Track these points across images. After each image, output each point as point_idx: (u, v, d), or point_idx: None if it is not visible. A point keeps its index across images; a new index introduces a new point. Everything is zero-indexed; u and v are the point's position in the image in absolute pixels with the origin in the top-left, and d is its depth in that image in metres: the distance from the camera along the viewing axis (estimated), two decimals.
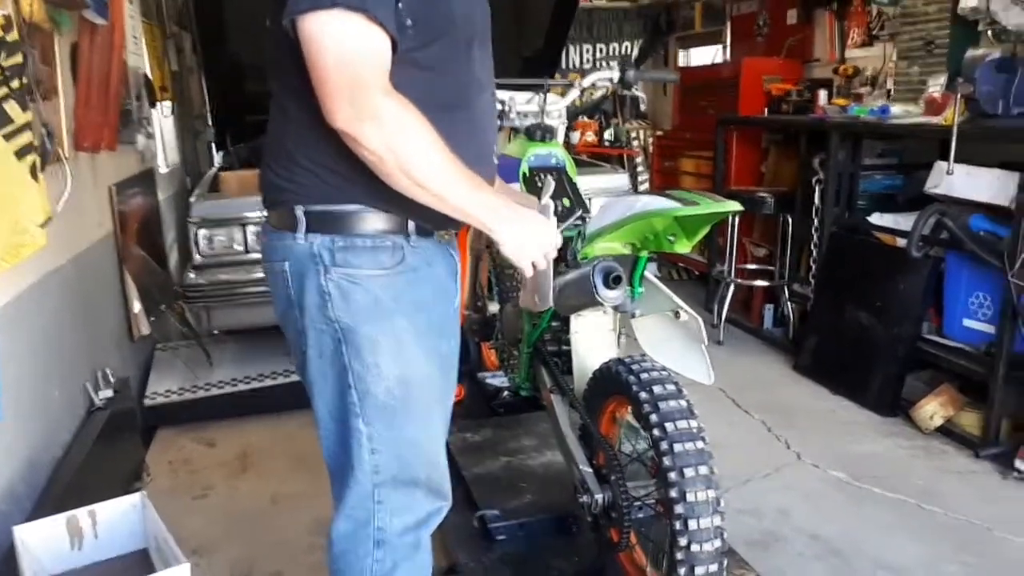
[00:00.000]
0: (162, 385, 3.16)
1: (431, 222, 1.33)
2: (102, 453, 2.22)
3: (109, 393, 2.46)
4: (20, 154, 1.79)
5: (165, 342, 3.54)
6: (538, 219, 1.36)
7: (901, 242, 3.23)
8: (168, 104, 4.25)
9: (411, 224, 1.31)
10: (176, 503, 2.52)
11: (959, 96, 2.97)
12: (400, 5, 1.16)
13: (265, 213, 1.39)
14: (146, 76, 3.67)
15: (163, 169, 4.00)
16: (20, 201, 1.76)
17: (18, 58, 1.80)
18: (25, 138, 1.81)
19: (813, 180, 3.77)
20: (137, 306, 2.93)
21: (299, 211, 1.29)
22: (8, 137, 1.73)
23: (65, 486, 1.96)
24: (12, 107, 1.76)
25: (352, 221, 1.29)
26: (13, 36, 1.77)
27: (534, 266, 1.36)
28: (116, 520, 1.78)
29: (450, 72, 1.30)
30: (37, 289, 2.07)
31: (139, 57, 3.59)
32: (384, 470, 1.35)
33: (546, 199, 1.50)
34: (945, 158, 3.00)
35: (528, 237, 1.33)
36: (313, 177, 1.29)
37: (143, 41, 3.71)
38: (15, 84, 1.78)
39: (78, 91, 2.48)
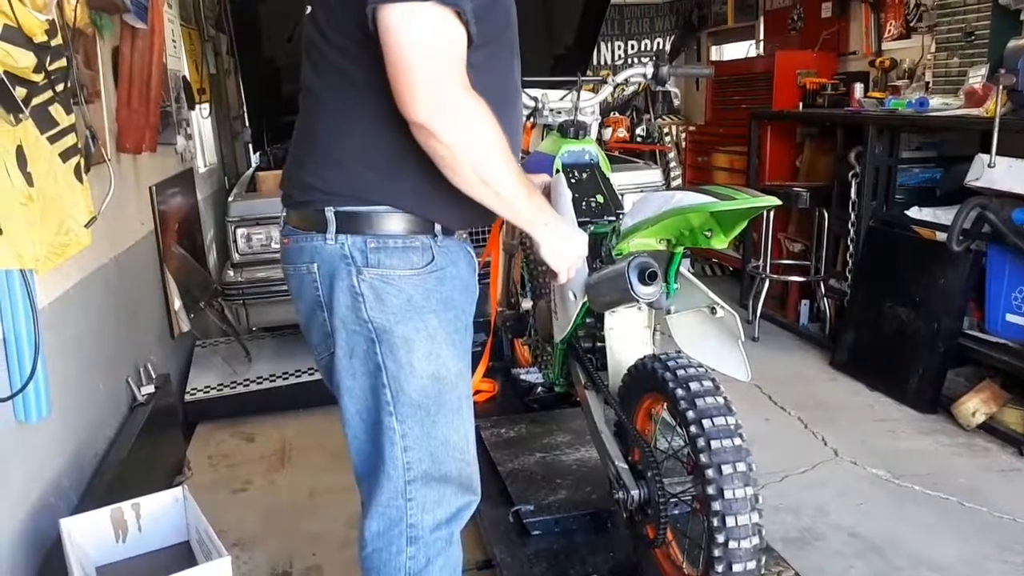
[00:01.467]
0: (202, 381, 3.21)
1: (457, 223, 1.36)
2: (145, 447, 2.27)
3: (151, 389, 2.51)
4: (65, 156, 1.83)
5: (205, 339, 3.61)
6: (575, 229, 1.46)
7: (940, 236, 3.18)
8: (206, 106, 4.32)
9: (437, 225, 1.33)
10: (216, 497, 2.56)
11: (1001, 87, 2.90)
12: (470, 4, 1.17)
13: (284, 213, 1.39)
14: (185, 79, 3.74)
15: (202, 169, 4.07)
16: (66, 202, 1.81)
17: (62, 62, 1.84)
18: (70, 140, 1.85)
19: (849, 174, 3.72)
20: (177, 303, 2.98)
21: (329, 212, 1.29)
22: (53, 139, 1.77)
23: (109, 480, 2.01)
24: (57, 110, 1.80)
25: (382, 221, 1.30)
26: (57, 40, 1.80)
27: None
28: (159, 513, 1.81)
29: (496, 75, 1.32)
30: (82, 287, 2.12)
31: (178, 60, 3.66)
32: (416, 467, 1.36)
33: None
34: (986, 150, 2.94)
35: (568, 247, 1.41)
36: (345, 175, 1.29)
37: (182, 44, 3.77)
38: (60, 88, 1.81)
39: (119, 94, 2.53)
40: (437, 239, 1.33)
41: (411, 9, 1.12)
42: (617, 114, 6.48)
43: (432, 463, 1.37)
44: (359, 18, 1.15)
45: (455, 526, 1.44)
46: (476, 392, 2.91)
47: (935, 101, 3.38)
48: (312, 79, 1.32)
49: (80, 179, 1.90)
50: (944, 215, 3.20)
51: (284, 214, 1.40)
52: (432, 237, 1.33)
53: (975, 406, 2.97)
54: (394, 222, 1.30)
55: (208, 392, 3.14)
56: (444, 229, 1.34)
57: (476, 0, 1.17)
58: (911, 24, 4.12)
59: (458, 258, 1.38)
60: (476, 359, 2.21)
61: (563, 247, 1.40)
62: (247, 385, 3.19)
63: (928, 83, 3.83)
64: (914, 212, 3.42)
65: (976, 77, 3.28)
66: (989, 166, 2.94)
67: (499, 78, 1.34)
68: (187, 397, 3.10)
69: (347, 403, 1.37)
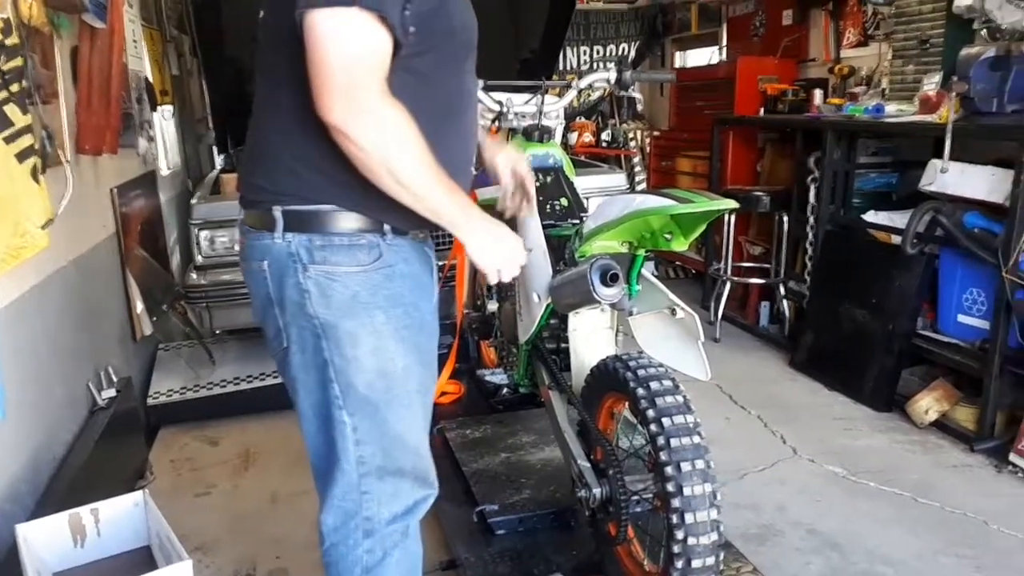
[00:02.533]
0: (164, 384, 3.18)
1: (404, 223, 1.36)
2: (105, 452, 2.24)
3: (112, 392, 2.47)
4: (21, 157, 1.80)
5: (167, 342, 3.56)
6: (508, 234, 1.42)
7: (896, 239, 3.26)
8: (169, 107, 4.26)
9: (386, 224, 1.35)
10: (179, 501, 2.54)
11: (954, 94, 2.98)
12: (407, 12, 1.19)
13: (242, 214, 1.41)
14: (147, 80, 3.69)
15: (165, 171, 4.02)
16: (21, 203, 1.78)
17: (18, 61, 1.82)
18: (26, 141, 1.82)
19: (808, 179, 3.80)
20: (140, 306, 2.94)
21: (277, 211, 1.32)
22: (9, 140, 1.75)
23: (68, 485, 1.98)
24: (12, 110, 1.78)
25: (329, 220, 1.32)
26: (13, 40, 1.79)
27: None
28: (118, 518, 1.79)
29: (443, 82, 1.34)
30: (39, 290, 2.08)
31: (140, 61, 3.61)
32: (369, 461, 1.38)
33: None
34: (939, 156, 3.02)
35: (496, 247, 1.39)
36: (293, 176, 1.32)
37: (143, 45, 3.72)
38: (15, 87, 1.79)
39: (79, 94, 2.50)
40: (386, 238, 1.35)
41: (333, 15, 1.15)
42: (583, 119, 6.53)
43: (385, 457, 1.39)
44: (294, 23, 1.17)
45: (411, 519, 1.45)
46: (442, 394, 2.92)
47: (891, 107, 3.46)
48: (260, 82, 1.36)
49: (37, 180, 1.87)
50: (899, 219, 3.28)
51: (241, 215, 1.42)
52: (381, 236, 1.34)
53: (928, 404, 3.05)
54: (340, 221, 1.32)
55: (171, 396, 3.11)
56: (394, 229, 1.36)
57: (413, 7, 1.20)
58: (869, 32, 4.21)
59: (410, 257, 1.39)
60: (442, 361, 2.23)
61: (490, 248, 1.39)
62: (210, 388, 3.16)
63: (884, 90, 3.92)
64: (870, 216, 3.50)
65: (930, 84, 3.37)
66: (942, 171, 3.01)
67: (446, 85, 1.35)
68: (149, 401, 3.06)
69: (301, 397, 1.40)
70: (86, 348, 2.47)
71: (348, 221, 1.32)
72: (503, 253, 1.41)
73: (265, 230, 1.34)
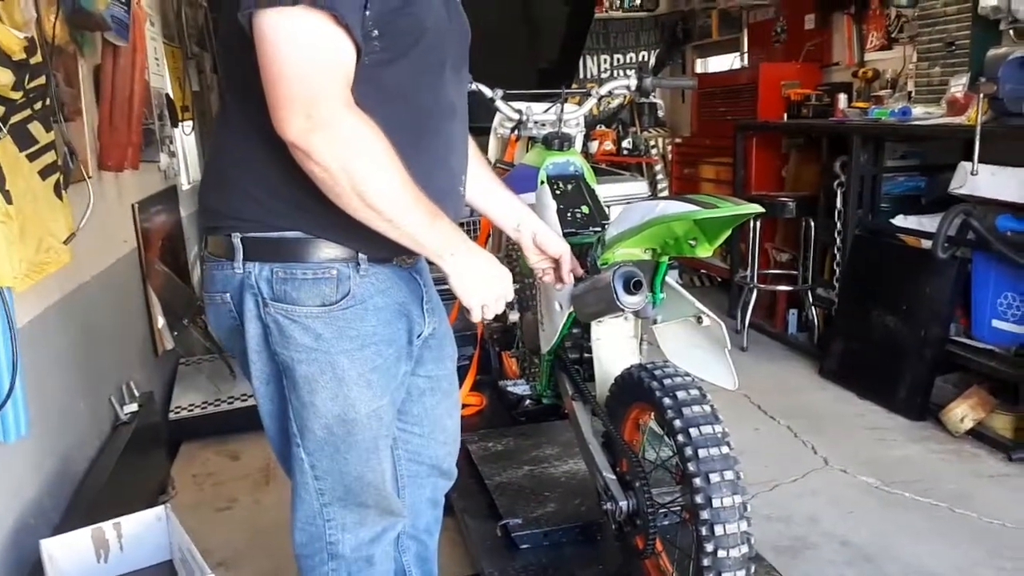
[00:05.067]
0: (186, 399, 3.18)
1: (383, 250, 1.22)
2: (128, 467, 2.23)
3: (134, 407, 2.48)
4: (44, 174, 1.82)
5: (188, 356, 3.57)
6: (493, 263, 1.27)
7: (926, 244, 3.19)
8: (190, 123, 4.30)
9: (360, 254, 1.22)
10: (201, 516, 2.53)
11: (981, 95, 2.93)
12: (368, 12, 1.07)
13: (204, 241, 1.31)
14: (168, 96, 3.72)
15: (185, 186, 4.05)
16: (45, 219, 1.79)
17: (41, 80, 1.83)
18: (49, 158, 1.84)
19: (835, 184, 3.74)
20: (161, 321, 2.96)
21: (236, 239, 1.20)
22: (33, 157, 1.76)
23: (91, 500, 1.98)
24: (36, 128, 1.79)
25: (292, 249, 1.19)
26: (36, 58, 1.80)
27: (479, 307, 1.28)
28: (141, 532, 1.79)
29: (418, 94, 1.21)
30: (63, 305, 2.09)
31: (161, 78, 3.64)
32: (329, 492, 1.34)
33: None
34: (969, 158, 2.96)
35: (480, 278, 1.24)
36: (251, 202, 1.19)
37: (165, 62, 3.76)
38: (39, 105, 1.81)
39: (101, 112, 2.52)
40: (360, 268, 1.22)
41: (281, 15, 1.02)
42: (603, 127, 6.50)
43: (346, 492, 1.34)
44: (242, 29, 1.05)
45: (376, 548, 1.41)
46: (464, 406, 2.89)
47: (918, 110, 3.40)
48: (222, 98, 1.26)
49: (60, 197, 1.89)
50: (929, 223, 3.21)
51: (201, 240, 1.33)
52: (353, 266, 1.21)
53: (963, 412, 2.97)
54: (306, 250, 1.19)
55: (192, 410, 3.11)
56: (371, 258, 1.23)
57: (375, 7, 1.08)
58: (893, 35, 4.16)
59: (389, 287, 1.27)
60: (464, 373, 2.20)
61: (474, 283, 1.23)
62: (231, 403, 3.16)
63: (910, 92, 3.87)
64: (899, 220, 3.44)
65: (957, 86, 3.31)
66: (972, 174, 2.95)
67: (423, 99, 1.22)
68: (171, 415, 3.07)
69: (267, 423, 1.36)
70: (108, 363, 2.48)
71: (316, 250, 1.19)
72: (488, 289, 1.26)
73: (225, 259, 1.22)
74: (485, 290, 1.25)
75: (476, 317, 1.28)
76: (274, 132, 1.07)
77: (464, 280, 1.23)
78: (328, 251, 1.20)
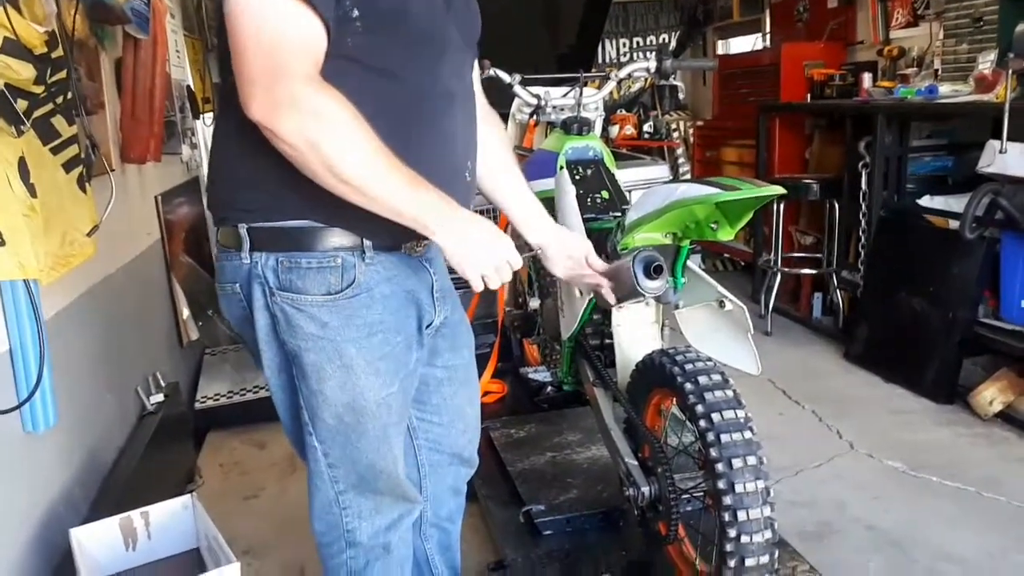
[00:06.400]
0: (211, 389, 3.21)
1: (389, 237, 1.22)
2: (154, 456, 2.26)
3: (160, 397, 2.50)
4: (68, 167, 1.83)
5: (214, 347, 3.60)
6: (489, 229, 1.21)
7: (953, 225, 3.14)
8: (210, 115, 4.32)
9: (366, 240, 1.21)
10: (227, 505, 2.56)
11: (1011, 72, 2.87)
12: None
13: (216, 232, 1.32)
14: (189, 88, 3.75)
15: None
16: (69, 212, 1.81)
17: (63, 73, 1.84)
18: (72, 151, 1.85)
19: (859, 165, 3.68)
20: (186, 312, 2.99)
21: (242, 229, 1.21)
22: (56, 151, 1.78)
23: (119, 489, 2.00)
24: (59, 121, 1.80)
25: (297, 238, 1.19)
26: (58, 52, 1.81)
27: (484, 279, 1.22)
28: (168, 521, 1.81)
29: (410, 76, 1.19)
30: (88, 297, 2.12)
31: (182, 70, 3.67)
32: (344, 480, 1.34)
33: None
34: (997, 136, 2.89)
35: (476, 246, 1.19)
36: (255, 192, 1.20)
37: (185, 54, 3.78)
38: (61, 99, 1.82)
39: (123, 105, 2.54)
40: (365, 256, 1.21)
41: None
42: (624, 111, 6.45)
43: (360, 479, 1.35)
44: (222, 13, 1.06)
45: (393, 535, 1.42)
46: (485, 393, 2.90)
47: (945, 88, 3.34)
48: (220, 92, 1.27)
49: (83, 189, 1.90)
50: (956, 203, 3.15)
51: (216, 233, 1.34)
52: (359, 254, 1.21)
53: (992, 395, 2.93)
54: (312, 239, 1.19)
55: (218, 400, 3.14)
56: (376, 245, 1.22)
57: None
58: (918, 12, 4.07)
59: (396, 275, 1.26)
60: (485, 360, 2.20)
61: (469, 253, 1.18)
62: (257, 392, 3.18)
63: (937, 70, 3.79)
64: (926, 201, 3.38)
65: (985, 63, 3.25)
66: (1001, 152, 2.89)
67: (415, 84, 1.20)
68: (197, 405, 3.10)
69: (281, 412, 1.36)
70: (134, 354, 2.51)
71: (321, 238, 1.19)
72: (487, 256, 1.20)
73: (233, 249, 1.23)
74: (483, 259, 1.20)
75: (478, 287, 1.22)
76: None
77: (458, 250, 1.18)
78: (333, 239, 1.20)
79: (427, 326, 1.36)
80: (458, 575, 1.73)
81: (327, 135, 1.05)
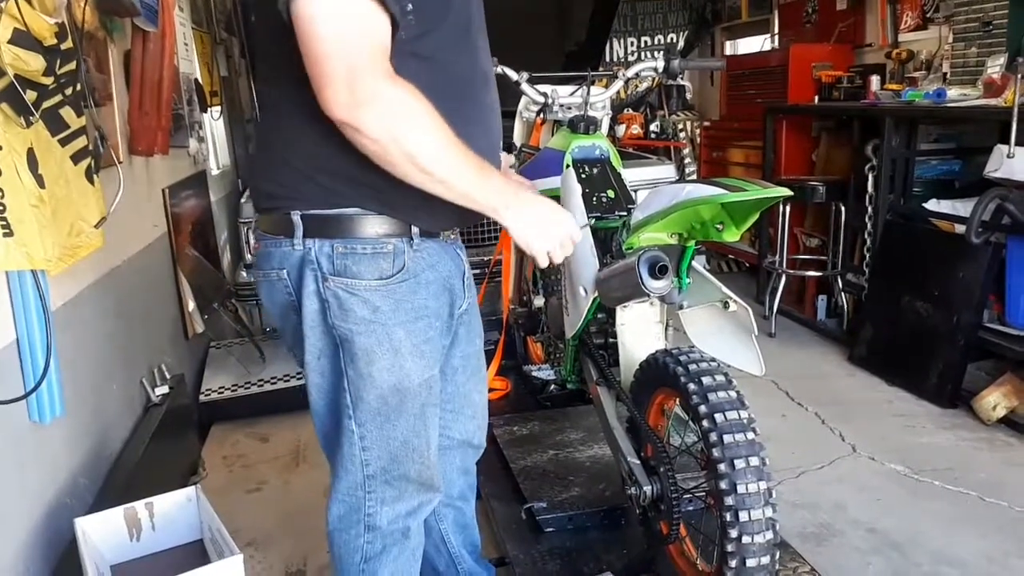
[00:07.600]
0: (216, 382, 3.22)
1: (434, 223, 1.29)
2: (159, 448, 2.27)
3: (165, 389, 2.52)
4: (76, 158, 1.84)
5: (219, 340, 3.62)
6: (551, 207, 1.30)
7: (959, 229, 3.14)
8: (218, 108, 4.33)
9: (413, 227, 1.28)
10: (231, 497, 2.57)
11: (1019, 76, 2.86)
12: None
13: (256, 218, 1.36)
14: (197, 81, 3.75)
15: (215, 171, 4.09)
16: (77, 204, 1.82)
17: (72, 65, 1.85)
18: (81, 142, 1.86)
19: (866, 167, 3.68)
20: (191, 305, 2.99)
21: (296, 216, 1.25)
22: (64, 142, 1.78)
23: (124, 480, 2.02)
24: (68, 113, 1.81)
25: (351, 225, 1.25)
26: (67, 44, 1.82)
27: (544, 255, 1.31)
28: (172, 512, 1.82)
29: (453, 63, 1.25)
30: (95, 289, 2.13)
31: (190, 63, 3.67)
32: (374, 463, 1.37)
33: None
34: (1005, 141, 2.89)
35: (540, 225, 1.28)
36: (308, 181, 1.24)
37: (194, 48, 3.79)
38: (70, 90, 1.83)
39: (131, 97, 2.55)
40: (413, 242, 1.28)
41: None
42: (631, 111, 6.44)
43: (391, 462, 1.37)
44: (282, 19, 1.09)
45: (412, 520, 1.45)
46: (490, 391, 2.90)
47: (953, 92, 3.34)
48: (263, 84, 1.31)
49: (91, 181, 1.91)
50: (963, 207, 3.16)
51: (255, 219, 1.37)
52: (407, 241, 1.28)
53: (996, 400, 2.92)
54: (364, 226, 1.25)
55: (222, 393, 3.15)
56: (422, 231, 1.28)
57: None
58: (928, 15, 4.06)
59: (438, 262, 1.33)
60: (489, 357, 2.21)
61: (536, 228, 1.27)
62: (261, 385, 3.20)
63: (946, 74, 3.78)
64: (932, 205, 3.38)
65: (994, 67, 3.24)
66: (1008, 157, 2.89)
67: (458, 67, 1.26)
68: (201, 398, 3.11)
69: (315, 398, 1.39)
70: (140, 345, 2.52)
71: (373, 225, 1.25)
72: (552, 232, 1.29)
73: (283, 235, 1.27)
74: (548, 236, 1.29)
75: (543, 263, 1.31)
76: (320, 114, 1.11)
77: (525, 230, 1.27)
78: (384, 226, 1.26)
79: (458, 310, 1.42)
80: (478, 551, 1.77)
81: (409, 128, 1.11)
